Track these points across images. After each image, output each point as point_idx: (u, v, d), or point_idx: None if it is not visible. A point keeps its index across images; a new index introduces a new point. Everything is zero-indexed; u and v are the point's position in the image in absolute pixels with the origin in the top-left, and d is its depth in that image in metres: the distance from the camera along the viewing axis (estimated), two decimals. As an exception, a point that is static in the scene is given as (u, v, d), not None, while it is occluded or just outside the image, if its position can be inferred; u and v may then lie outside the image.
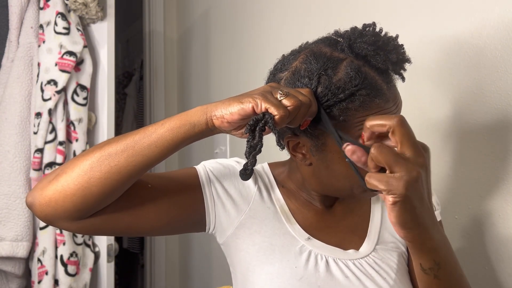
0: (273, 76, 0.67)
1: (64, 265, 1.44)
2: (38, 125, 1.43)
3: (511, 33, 0.80)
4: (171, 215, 0.67)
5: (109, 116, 1.56)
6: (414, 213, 0.49)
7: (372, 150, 0.48)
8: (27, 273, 1.52)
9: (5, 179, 1.44)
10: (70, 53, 1.46)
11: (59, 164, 1.45)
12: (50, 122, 1.44)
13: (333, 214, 0.74)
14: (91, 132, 1.58)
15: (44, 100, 1.44)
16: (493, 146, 0.84)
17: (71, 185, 0.58)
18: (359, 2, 1.15)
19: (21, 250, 1.42)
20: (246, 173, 0.58)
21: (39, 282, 1.43)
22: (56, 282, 1.45)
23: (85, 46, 1.50)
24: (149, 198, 0.65)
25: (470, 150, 0.88)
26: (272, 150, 0.61)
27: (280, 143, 0.59)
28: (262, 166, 0.78)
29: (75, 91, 1.49)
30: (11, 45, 1.54)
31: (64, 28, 1.47)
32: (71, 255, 1.45)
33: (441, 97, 0.94)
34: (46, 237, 1.44)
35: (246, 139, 0.57)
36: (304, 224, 0.71)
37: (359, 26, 0.64)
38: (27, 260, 1.50)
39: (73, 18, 1.50)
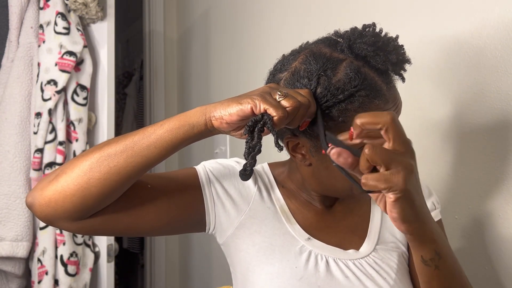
0: (273, 76, 0.66)
1: (64, 265, 1.44)
2: (38, 125, 1.43)
3: (511, 33, 0.80)
4: (171, 215, 0.67)
5: (109, 116, 1.56)
6: (414, 206, 0.50)
7: (366, 151, 0.47)
8: (27, 273, 1.52)
9: (5, 179, 1.44)
10: (70, 53, 1.46)
11: (59, 164, 1.45)
12: (50, 122, 1.44)
13: (333, 214, 0.73)
14: (91, 132, 1.58)
15: (44, 100, 1.44)
16: (493, 146, 0.84)
17: (71, 185, 0.58)
18: (359, 2, 1.15)
19: (21, 250, 1.43)
20: (246, 173, 0.58)
21: (39, 282, 1.43)
22: (56, 282, 1.45)
23: (85, 46, 1.50)
24: (148, 198, 0.65)
25: (470, 150, 0.88)
26: (272, 150, 0.61)
27: (278, 144, 0.59)
28: (262, 166, 0.78)
29: (75, 91, 1.49)
30: (11, 45, 1.54)
31: (64, 28, 1.47)
32: (71, 255, 1.46)
33: (441, 97, 0.94)
34: (46, 237, 1.44)
35: (245, 140, 0.57)
36: (304, 224, 0.71)
37: (359, 26, 0.63)
38: (27, 260, 1.50)
39: (73, 18, 1.50)
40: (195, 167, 0.73)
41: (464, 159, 0.90)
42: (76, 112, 1.49)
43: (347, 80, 0.59)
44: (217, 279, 1.91)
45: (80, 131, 1.49)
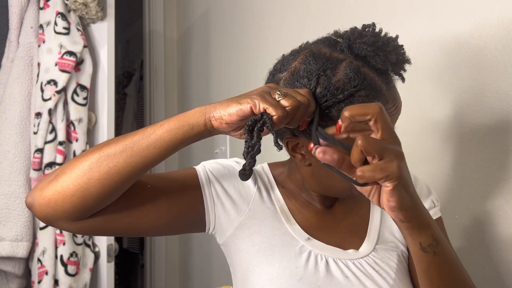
0: (273, 76, 0.66)
1: (64, 265, 1.44)
2: (38, 125, 1.43)
3: (511, 33, 0.80)
4: (171, 215, 0.67)
5: (109, 116, 1.56)
6: (409, 192, 0.51)
7: (360, 142, 0.47)
8: (27, 273, 1.52)
9: (5, 179, 1.44)
10: (70, 53, 1.46)
11: (59, 164, 1.45)
12: (50, 122, 1.44)
13: (333, 215, 0.73)
14: (91, 132, 1.58)
15: (44, 100, 1.44)
16: (493, 146, 0.84)
17: (71, 185, 0.58)
18: (359, 2, 1.15)
19: (21, 250, 1.43)
20: (245, 173, 0.58)
21: (39, 282, 1.43)
22: (56, 282, 1.45)
23: (85, 46, 1.50)
24: (148, 198, 0.65)
25: (470, 150, 0.88)
26: (272, 150, 0.61)
27: (278, 144, 0.59)
28: (262, 166, 0.78)
29: (75, 91, 1.49)
30: (11, 45, 1.54)
31: (64, 28, 1.47)
32: (71, 255, 1.46)
33: (441, 97, 0.94)
34: (46, 237, 1.44)
35: (244, 140, 0.57)
36: (304, 224, 0.71)
37: (359, 26, 0.63)
38: (27, 260, 1.50)
39: (73, 18, 1.50)
40: (195, 167, 0.73)
41: (464, 159, 0.90)
42: (76, 112, 1.49)
43: (347, 80, 0.59)
44: (217, 279, 1.91)
45: (80, 131, 1.49)
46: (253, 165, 0.57)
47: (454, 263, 0.60)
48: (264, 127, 0.56)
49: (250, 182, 0.72)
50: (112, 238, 1.55)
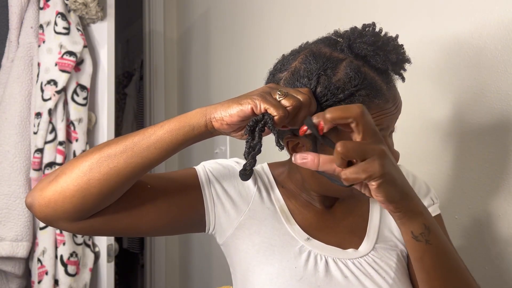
0: (273, 76, 0.66)
1: (64, 265, 1.44)
2: (38, 125, 1.43)
3: (511, 33, 0.80)
4: (171, 215, 0.67)
5: (109, 116, 1.56)
6: (396, 185, 0.52)
7: (339, 149, 0.48)
8: (27, 273, 1.52)
9: (5, 179, 1.44)
10: (70, 53, 1.46)
11: (59, 164, 1.45)
12: (50, 122, 1.44)
13: (333, 215, 0.73)
14: (91, 132, 1.58)
15: (44, 100, 1.44)
16: (493, 146, 0.84)
17: (71, 186, 0.58)
18: (359, 2, 1.15)
19: (21, 250, 1.42)
20: (246, 173, 0.58)
21: (39, 282, 1.43)
22: (56, 282, 1.45)
23: (85, 46, 1.50)
24: (148, 198, 0.65)
25: (470, 150, 0.88)
26: (273, 150, 0.61)
27: (280, 144, 0.59)
28: (262, 166, 0.78)
29: (75, 91, 1.49)
30: (11, 45, 1.54)
31: (64, 28, 1.47)
32: (71, 255, 1.46)
33: (441, 97, 0.94)
34: (46, 237, 1.44)
35: (245, 140, 0.57)
36: (303, 224, 0.71)
37: (359, 26, 0.63)
38: (27, 260, 1.50)
39: (73, 18, 1.50)
40: (194, 167, 0.73)
41: (464, 159, 0.90)
42: (76, 112, 1.49)
43: (347, 79, 0.59)
44: (217, 279, 1.91)
45: (80, 131, 1.49)
46: (254, 165, 0.57)
47: (448, 253, 0.60)
48: (265, 127, 0.56)
49: (250, 182, 0.72)
50: (112, 238, 1.55)
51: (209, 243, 1.97)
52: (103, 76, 1.56)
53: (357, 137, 0.51)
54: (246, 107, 0.56)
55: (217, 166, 0.73)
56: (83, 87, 1.51)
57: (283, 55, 0.68)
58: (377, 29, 0.62)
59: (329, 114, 0.50)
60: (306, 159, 0.53)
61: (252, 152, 0.56)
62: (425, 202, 0.74)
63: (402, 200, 0.53)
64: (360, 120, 0.50)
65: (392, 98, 0.62)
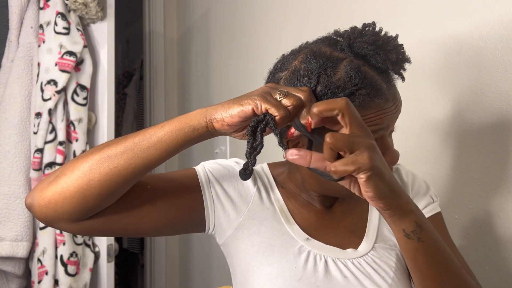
0: (273, 76, 0.66)
1: (64, 265, 1.44)
2: (38, 125, 1.43)
3: (511, 33, 0.80)
4: (171, 216, 0.67)
5: (109, 116, 1.56)
6: (385, 180, 0.52)
7: (328, 140, 0.49)
8: (27, 273, 1.52)
9: (5, 179, 1.44)
10: (70, 53, 1.46)
11: (59, 164, 1.45)
12: (50, 122, 1.44)
13: (332, 215, 0.73)
14: (91, 132, 1.58)
15: (44, 100, 1.44)
16: (493, 146, 0.84)
17: (71, 187, 0.58)
18: (359, 2, 1.15)
19: (21, 250, 1.42)
20: (246, 173, 0.58)
21: (39, 282, 1.43)
22: (56, 282, 1.45)
23: (85, 46, 1.50)
24: (148, 199, 0.65)
25: (470, 150, 0.88)
26: (273, 150, 0.61)
27: (282, 143, 0.59)
28: (261, 166, 0.78)
29: (75, 91, 1.49)
30: (11, 45, 1.54)
31: (64, 28, 1.47)
32: (71, 255, 1.45)
33: (441, 97, 0.94)
34: (46, 237, 1.44)
35: (246, 140, 0.57)
36: (303, 224, 0.71)
37: (359, 26, 0.63)
38: (27, 260, 1.50)
39: (73, 18, 1.50)
40: (194, 167, 0.73)
41: (464, 159, 0.90)
42: (76, 112, 1.49)
43: (348, 78, 0.59)
44: (217, 279, 1.91)
45: (80, 131, 1.49)
46: (254, 165, 0.57)
47: (442, 250, 0.60)
48: (267, 128, 0.56)
49: (249, 182, 0.72)
50: (112, 238, 1.55)
51: (209, 243, 1.97)
52: (103, 76, 1.57)
53: (344, 129, 0.51)
54: (247, 108, 0.56)
55: (217, 166, 0.73)
56: (83, 87, 1.51)
57: (283, 54, 0.68)
58: (377, 29, 0.62)
59: (315, 108, 0.51)
60: (297, 155, 0.53)
61: (253, 152, 0.56)
62: (425, 200, 0.74)
63: (392, 197, 0.53)
64: (346, 111, 0.50)
65: (392, 97, 0.62)
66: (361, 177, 0.50)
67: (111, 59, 1.56)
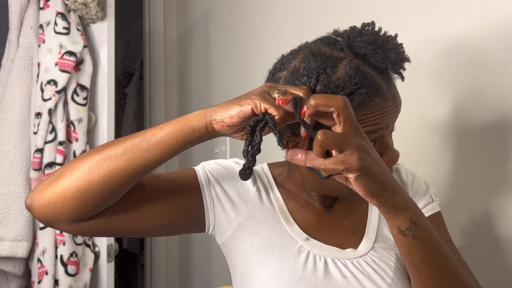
0: (272, 75, 0.66)
1: (64, 265, 1.44)
2: (38, 125, 1.43)
3: (511, 33, 0.80)
4: (171, 216, 0.67)
5: (109, 116, 1.56)
6: (376, 179, 0.52)
7: (319, 137, 0.50)
8: (27, 273, 1.52)
9: (5, 179, 1.44)
10: (70, 53, 1.46)
11: (59, 164, 1.45)
12: (50, 122, 1.45)
13: (332, 215, 0.73)
14: (91, 132, 1.58)
15: (44, 100, 1.44)
16: (493, 146, 0.84)
17: (71, 187, 0.58)
18: (359, 2, 1.15)
19: (21, 250, 1.43)
20: (246, 173, 0.58)
21: (39, 282, 1.43)
22: (56, 282, 1.45)
23: (85, 46, 1.50)
24: (148, 199, 0.65)
25: (470, 150, 0.88)
26: (273, 150, 0.61)
27: (282, 143, 0.59)
28: (261, 166, 0.78)
29: (75, 91, 1.49)
30: (11, 45, 1.54)
31: (64, 28, 1.47)
32: (71, 255, 1.46)
33: (441, 97, 0.94)
34: (46, 237, 1.44)
35: (245, 139, 0.57)
36: (303, 224, 0.71)
37: (359, 26, 0.63)
38: (27, 260, 1.50)
39: (73, 18, 1.50)
40: (194, 168, 0.73)
41: (464, 159, 0.90)
42: (76, 112, 1.49)
43: (347, 78, 0.59)
44: (217, 279, 1.91)
45: (80, 131, 1.49)
46: (254, 165, 0.57)
47: (438, 248, 0.60)
48: (266, 127, 0.56)
49: (249, 182, 0.72)
50: (112, 238, 1.55)
51: (209, 243, 1.97)
52: (103, 76, 1.57)
53: (338, 128, 0.52)
54: (246, 108, 0.56)
55: (217, 166, 0.73)
56: (83, 87, 1.51)
57: (283, 55, 0.68)
58: (376, 28, 0.62)
59: (313, 99, 0.51)
60: (295, 155, 0.55)
61: (252, 151, 0.56)
62: (424, 200, 0.74)
63: (385, 194, 0.54)
64: (342, 111, 0.51)
65: (392, 96, 0.62)
66: (350, 177, 0.51)
67: (111, 59, 1.56)
